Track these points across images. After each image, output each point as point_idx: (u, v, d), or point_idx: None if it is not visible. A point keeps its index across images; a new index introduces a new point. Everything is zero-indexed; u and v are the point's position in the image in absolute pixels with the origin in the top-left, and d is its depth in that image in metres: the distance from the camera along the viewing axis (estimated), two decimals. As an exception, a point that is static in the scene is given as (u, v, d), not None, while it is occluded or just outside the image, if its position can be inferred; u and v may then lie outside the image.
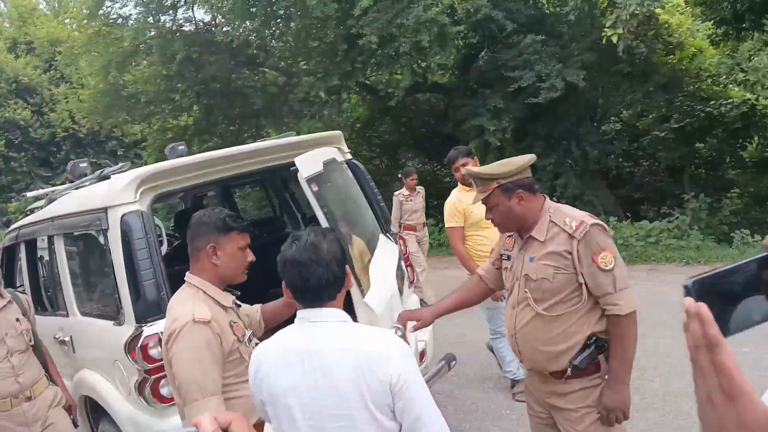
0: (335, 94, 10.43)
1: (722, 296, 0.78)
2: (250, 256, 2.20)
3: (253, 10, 9.57)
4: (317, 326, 1.62)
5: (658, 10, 8.26)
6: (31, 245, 4.20)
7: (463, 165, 4.02)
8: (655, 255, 8.26)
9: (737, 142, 11.10)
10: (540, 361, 2.25)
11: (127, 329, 2.73)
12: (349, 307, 1.82)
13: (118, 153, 18.40)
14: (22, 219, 4.59)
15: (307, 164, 2.88)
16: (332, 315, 1.63)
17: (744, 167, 11.55)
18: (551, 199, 2.38)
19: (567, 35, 9.93)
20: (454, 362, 3.75)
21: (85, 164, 4.05)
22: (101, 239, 3.02)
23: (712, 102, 10.77)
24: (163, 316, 2.62)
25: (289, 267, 1.62)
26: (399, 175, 8.06)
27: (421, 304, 4.77)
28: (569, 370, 2.18)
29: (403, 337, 2.77)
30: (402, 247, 3.97)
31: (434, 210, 9.88)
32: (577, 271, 2.11)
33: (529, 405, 2.44)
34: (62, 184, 5.87)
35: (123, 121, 13.39)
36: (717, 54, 11.65)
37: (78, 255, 3.61)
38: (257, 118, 13.03)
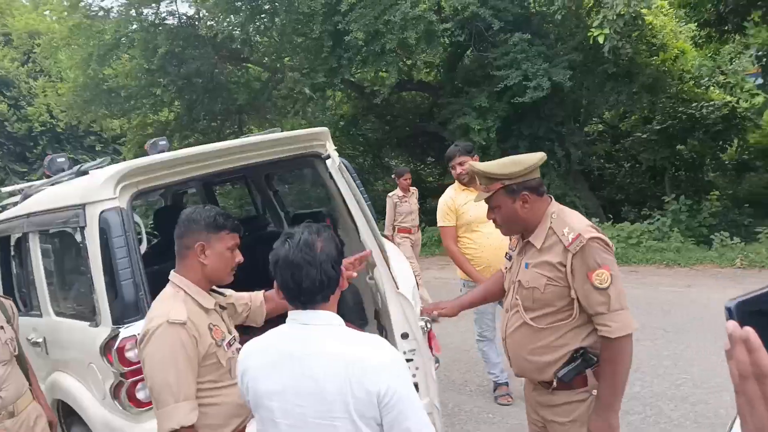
0: (320, 91, 10.34)
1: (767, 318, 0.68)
2: (239, 257, 2.14)
3: (238, 4, 9.46)
4: (308, 329, 1.55)
5: (644, 11, 8.30)
6: (4, 242, 4.07)
7: (460, 164, 3.89)
8: (636, 256, 8.33)
9: (717, 144, 11.23)
10: (527, 369, 2.19)
11: (104, 330, 2.63)
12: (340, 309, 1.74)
13: (97, 148, 18.06)
14: (-5, 215, 4.45)
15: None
16: (324, 318, 1.57)
17: (723, 169, 11.70)
18: None
19: (553, 35, 9.96)
20: (436, 365, 3.72)
21: (62, 159, 3.94)
22: (78, 237, 2.92)
23: (694, 104, 10.89)
24: (141, 318, 2.55)
25: (282, 267, 1.55)
26: (392, 176, 7.92)
27: None
28: (555, 382, 2.10)
29: (430, 330, 2.74)
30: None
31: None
32: (570, 285, 2.01)
33: (527, 411, 2.38)
34: (39, 179, 5.73)
35: (102, 115, 13.15)
36: (699, 56, 11.78)
37: (53, 253, 3.50)
38: (240, 114, 12.91)
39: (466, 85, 10.06)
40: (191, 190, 6.03)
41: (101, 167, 3.36)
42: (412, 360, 2.64)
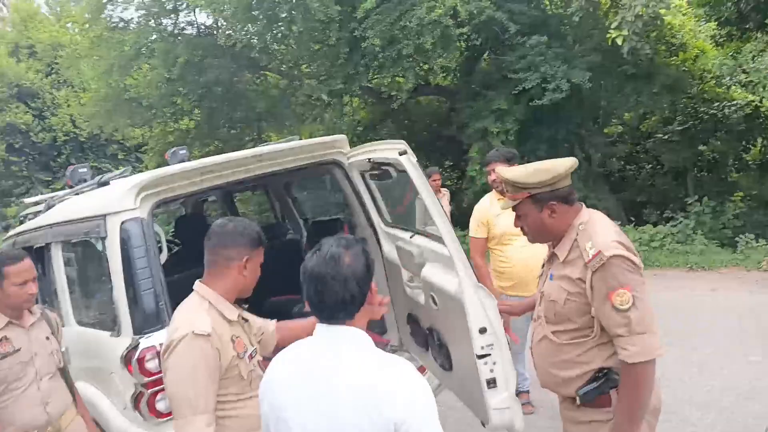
0: (337, 97, 10.37)
1: None
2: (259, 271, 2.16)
3: (256, 13, 9.51)
4: (331, 346, 1.52)
5: (662, 11, 8.19)
6: (28, 252, 4.12)
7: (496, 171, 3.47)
8: (659, 260, 8.21)
9: (741, 145, 11.04)
10: (550, 382, 2.14)
11: (124, 341, 2.66)
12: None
13: (119, 157, 18.36)
14: (18, 226, 4.53)
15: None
16: (349, 336, 1.52)
17: (747, 170, 11.48)
18: None
19: (571, 36, 9.87)
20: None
21: (84, 170, 3.98)
22: (100, 247, 2.95)
23: (716, 104, 10.71)
24: (162, 327, 2.57)
25: (308, 279, 1.53)
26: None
27: None
28: (578, 399, 2.03)
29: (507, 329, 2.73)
30: None
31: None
32: (590, 302, 1.92)
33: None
34: (62, 188, 5.81)
35: (124, 125, 13.33)
36: (720, 55, 11.58)
37: (76, 263, 3.55)
38: (259, 121, 12.97)
39: (484, 88, 10.01)
40: (211, 197, 6.07)
41: (123, 177, 3.41)
42: (489, 355, 2.61)
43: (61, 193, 4.06)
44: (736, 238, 8.32)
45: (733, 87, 11.70)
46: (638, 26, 7.27)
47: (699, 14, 11.17)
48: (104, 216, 2.77)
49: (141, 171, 15.78)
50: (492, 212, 3.79)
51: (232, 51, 10.60)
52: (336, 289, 1.49)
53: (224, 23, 10.88)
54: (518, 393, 4.23)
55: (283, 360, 1.61)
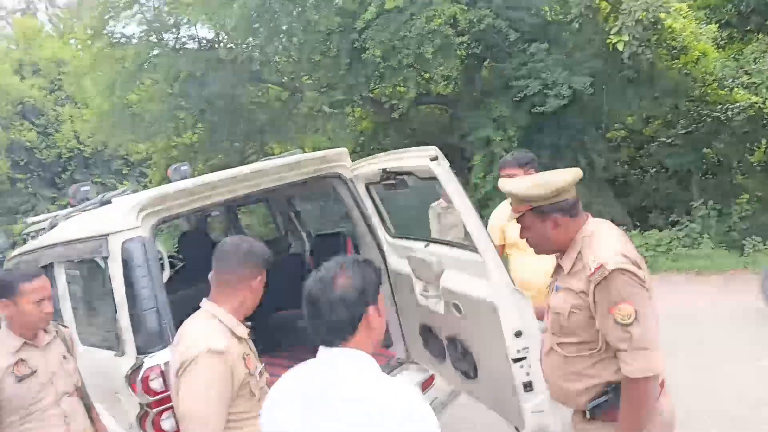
0: (339, 108, 10.40)
1: None
2: None
3: (257, 26, 9.56)
4: (330, 368, 1.49)
5: (662, 15, 8.19)
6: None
7: (509, 176, 3.25)
8: (665, 264, 8.16)
9: (745, 147, 10.98)
10: (559, 394, 2.11)
11: (128, 360, 2.64)
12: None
13: (124, 172, 18.46)
14: (21, 245, 4.53)
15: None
16: (347, 358, 1.49)
17: (752, 172, 11.41)
18: None
19: (571, 43, 9.87)
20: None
21: (87, 188, 3.98)
22: (102, 266, 2.94)
23: (719, 106, 10.67)
24: (165, 347, 2.55)
25: (304, 299, 1.52)
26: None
27: None
28: (587, 412, 2.00)
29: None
30: None
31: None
32: (593, 315, 1.89)
33: None
34: (66, 205, 5.82)
35: (128, 140, 13.40)
36: (721, 57, 11.56)
37: (79, 282, 3.54)
38: (261, 133, 13.01)
39: (485, 96, 10.01)
40: (215, 212, 6.07)
41: (125, 195, 3.40)
42: (525, 358, 2.59)
43: (63, 212, 4.06)
44: (743, 241, 8.27)
45: (736, 89, 11.67)
46: (638, 31, 7.28)
47: (699, 17, 11.16)
48: (106, 236, 2.77)
49: (145, 186, 15.89)
50: (506, 219, 3.77)
51: (234, 64, 10.65)
52: (325, 313, 1.48)
53: (225, 37, 10.94)
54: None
55: (284, 382, 1.60)
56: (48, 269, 3.60)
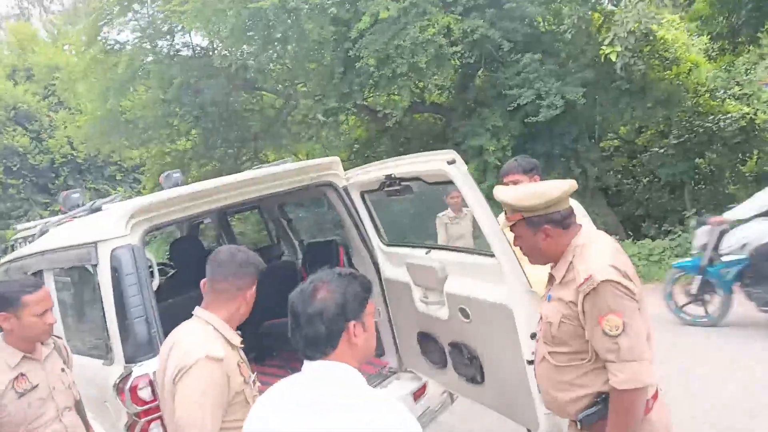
0: (333, 116, 10.41)
1: None
2: None
3: (251, 33, 9.57)
4: (313, 382, 1.49)
5: (654, 27, 8.26)
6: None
7: (514, 182, 3.19)
8: (658, 274, 8.16)
9: (737, 157, 11.05)
10: (551, 404, 2.12)
11: (117, 369, 2.63)
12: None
13: (117, 178, 18.38)
14: (10, 252, 4.50)
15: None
16: (330, 371, 1.48)
17: (744, 182, 11.48)
18: None
19: (564, 53, 9.93)
20: (456, 395, 3.65)
21: (77, 195, 3.97)
22: (91, 274, 2.93)
23: (711, 117, 10.75)
24: (154, 356, 2.54)
25: (288, 310, 1.52)
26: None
27: None
28: (578, 423, 2.01)
29: None
30: None
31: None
32: (583, 325, 1.90)
33: None
34: (60, 211, 5.79)
35: (121, 146, 13.36)
36: (713, 69, 11.66)
37: (68, 290, 3.52)
38: (256, 141, 13.00)
39: (479, 105, 10.04)
40: (207, 219, 6.06)
41: (115, 202, 3.39)
42: None
43: (53, 218, 4.04)
44: (735, 251, 8.30)
45: (728, 100, 11.78)
46: (631, 42, 7.31)
47: (691, 29, 11.26)
48: (95, 243, 2.76)
49: (139, 192, 15.83)
50: (500, 226, 3.76)
51: (228, 71, 10.65)
52: (303, 326, 1.47)
53: (220, 44, 10.94)
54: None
55: (268, 395, 1.59)
56: (37, 276, 3.59)
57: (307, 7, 8.70)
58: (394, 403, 1.45)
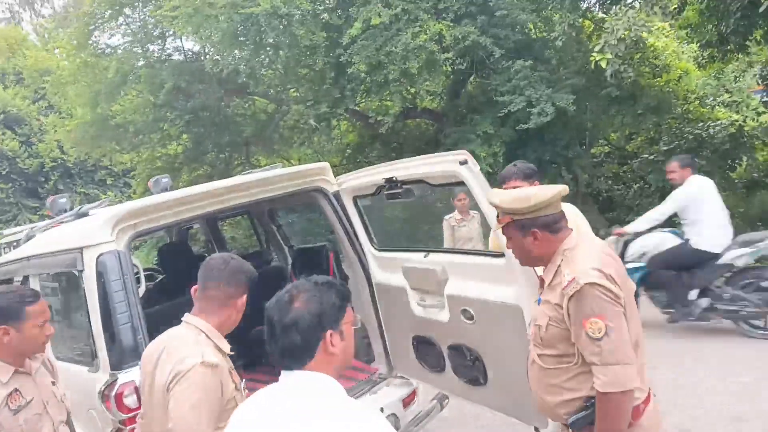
0: (325, 121, 10.40)
1: None
2: None
3: (242, 39, 9.56)
4: (290, 392, 1.46)
5: (644, 34, 8.31)
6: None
7: (515, 189, 3.14)
8: (649, 279, 8.18)
9: (726, 164, 11.12)
10: (542, 406, 2.12)
11: (102, 376, 2.60)
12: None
13: (108, 182, 18.28)
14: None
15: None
16: (308, 381, 1.46)
17: (733, 188, 11.56)
18: None
19: (555, 60, 9.98)
20: (446, 401, 3.64)
21: (64, 200, 3.93)
22: (77, 280, 2.90)
23: (701, 124, 10.82)
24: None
25: (264, 320, 1.51)
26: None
27: None
28: (569, 427, 2.02)
29: None
30: None
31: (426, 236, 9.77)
32: (569, 328, 1.92)
33: None
34: (47, 216, 5.74)
35: (111, 150, 13.28)
36: (703, 76, 11.76)
37: (53, 296, 3.48)
38: (247, 145, 12.98)
39: (470, 112, 10.07)
40: (196, 225, 6.02)
41: (103, 207, 3.36)
42: None
43: (40, 224, 4.01)
44: (724, 257, 8.35)
45: (717, 107, 11.88)
46: (621, 49, 7.35)
47: (681, 36, 11.36)
48: (81, 249, 2.73)
49: (129, 197, 15.73)
50: (493, 229, 3.77)
51: (219, 76, 10.62)
52: (279, 337, 1.46)
53: (211, 49, 10.91)
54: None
55: (245, 406, 1.58)
56: (24, 282, 3.55)
57: (299, 13, 8.71)
58: (371, 413, 1.44)
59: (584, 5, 9.67)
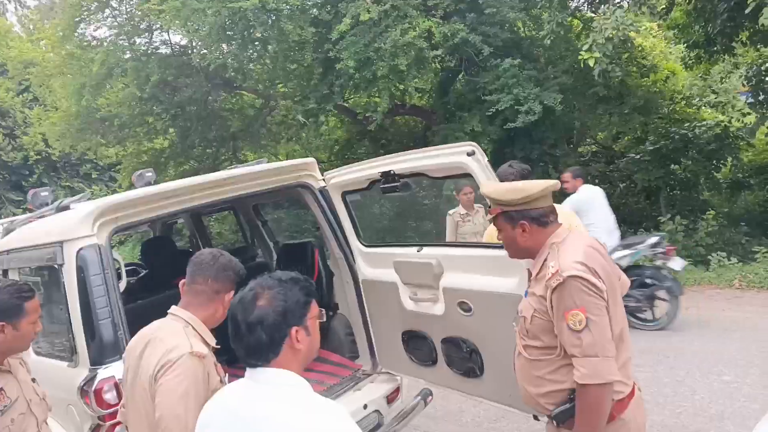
0: (313, 117, 10.36)
1: None
2: None
3: (230, 33, 9.48)
4: (257, 389, 1.46)
5: (632, 34, 8.35)
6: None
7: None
8: (633, 278, 8.24)
9: (711, 164, 11.25)
10: (526, 398, 2.14)
11: (81, 371, 2.57)
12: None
13: (93, 176, 18.11)
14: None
15: None
16: (275, 378, 1.45)
17: (718, 188, 11.69)
18: None
19: (543, 58, 10.01)
20: (430, 397, 3.64)
21: (46, 193, 3.88)
22: (57, 274, 2.86)
23: (687, 124, 10.92)
24: (120, 358, 2.48)
25: (228, 318, 1.50)
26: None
27: None
28: (553, 419, 2.04)
29: None
30: None
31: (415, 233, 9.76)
32: (552, 320, 1.96)
33: None
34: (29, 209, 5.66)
35: (97, 143, 13.14)
36: (689, 76, 11.86)
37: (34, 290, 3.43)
38: (234, 140, 12.90)
39: (459, 109, 10.07)
40: (180, 219, 5.97)
41: (84, 201, 3.32)
42: None
43: (21, 217, 3.95)
44: (709, 256, 8.43)
45: (703, 107, 11.98)
46: (609, 49, 7.37)
47: (669, 37, 11.43)
48: (61, 243, 2.69)
49: (115, 191, 15.56)
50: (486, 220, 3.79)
51: (207, 70, 10.54)
52: (244, 335, 1.45)
53: (199, 43, 10.82)
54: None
55: (215, 400, 1.57)
56: (3, 276, 3.50)
57: (287, 7, 8.66)
58: (336, 409, 1.43)
59: (573, 4, 9.72)
